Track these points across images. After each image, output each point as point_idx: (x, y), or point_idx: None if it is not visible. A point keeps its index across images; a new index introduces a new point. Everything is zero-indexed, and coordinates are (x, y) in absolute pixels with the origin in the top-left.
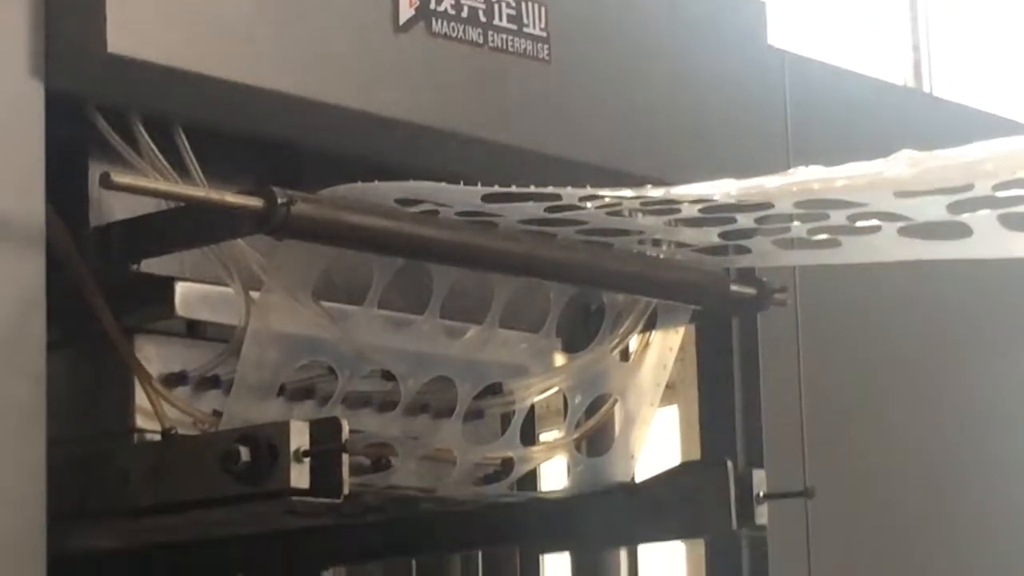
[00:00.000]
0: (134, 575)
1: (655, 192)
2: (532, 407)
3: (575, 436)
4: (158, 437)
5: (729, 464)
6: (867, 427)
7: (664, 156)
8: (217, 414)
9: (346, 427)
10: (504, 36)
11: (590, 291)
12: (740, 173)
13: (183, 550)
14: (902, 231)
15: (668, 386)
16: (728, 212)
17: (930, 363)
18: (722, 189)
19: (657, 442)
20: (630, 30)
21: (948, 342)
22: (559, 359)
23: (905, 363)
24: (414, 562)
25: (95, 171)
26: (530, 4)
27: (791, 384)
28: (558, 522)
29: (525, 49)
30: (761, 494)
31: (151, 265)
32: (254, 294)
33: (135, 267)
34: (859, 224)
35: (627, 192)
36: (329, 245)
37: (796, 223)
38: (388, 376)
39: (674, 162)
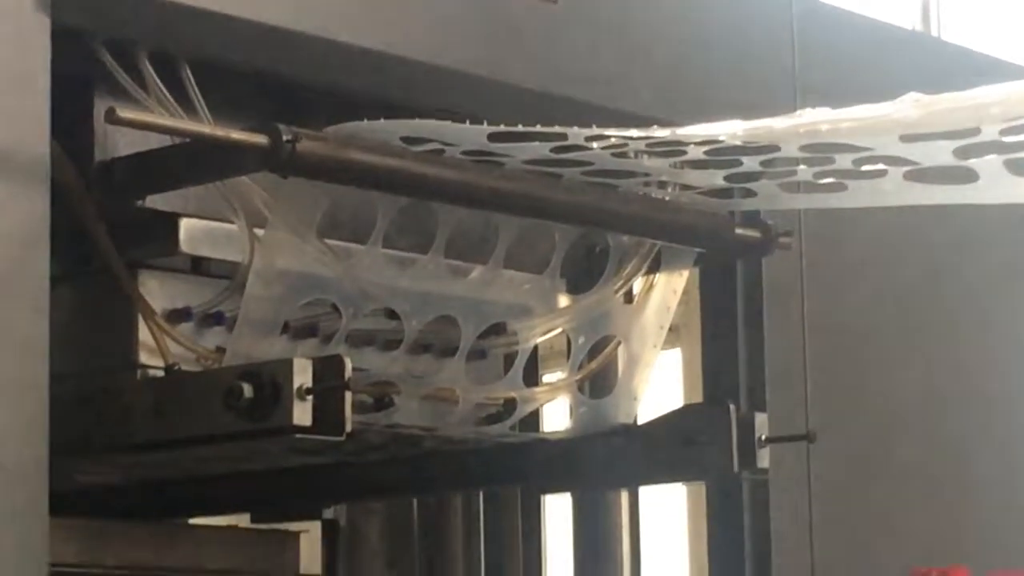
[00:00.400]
0: (136, 510)
1: (661, 132)
2: (535, 348)
3: (578, 377)
4: (161, 373)
5: (731, 407)
6: (871, 371)
7: (671, 97)
8: (220, 351)
9: (349, 365)
10: None
11: (595, 232)
12: (747, 115)
13: (185, 486)
14: (908, 175)
15: (671, 329)
16: (734, 155)
17: (933, 306)
18: (728, 130)
19: (660, 385)
20: None
21: (951, 285)
22: (563, 300)
23: (908, 307)
24: (415, 501)
25: (101, 106)
26: None
27: (795, 328)
28: (559, 463)
29: None
30: (763, 437)
31: (155, 201)
32: (258, 231)
33: (139, 203)
34: (865, 168)
35: (633, 132)
36: (333, 183)
37: (802, 167)
38: (391, 315)
39: (681, 103)
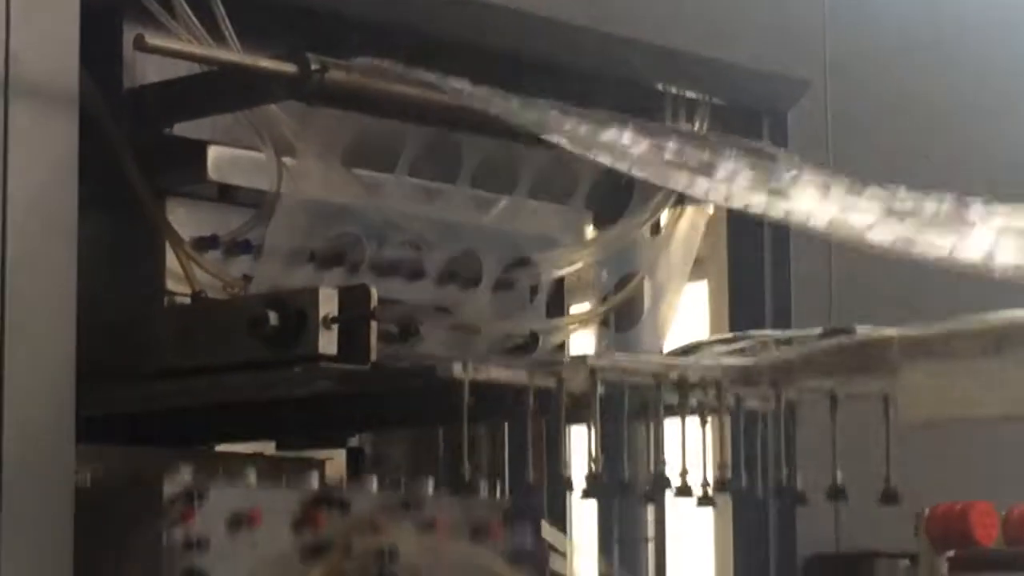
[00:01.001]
0: (161, 437)
1: None
2: (561, 280)
3: (603, 310)
4: (188, 300)
5: None
6: (896, 306)
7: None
8: (247, 279)
9: (375, 294)
10: None
11: None
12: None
13: (211, 413)
14: None
15: (698, 261)
16: None
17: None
18: None
19: (686, 318)
20: None
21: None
22: (589, 232)
23: None
24: (441, 431)
25: (129, 34)
26: None
27: (821, 258)
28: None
29: None
30: None
31: (184, 129)
32: (286, 160)
33: (168, 131)
34: None
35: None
36: (361, 112)
37: None
38: (417, 245)
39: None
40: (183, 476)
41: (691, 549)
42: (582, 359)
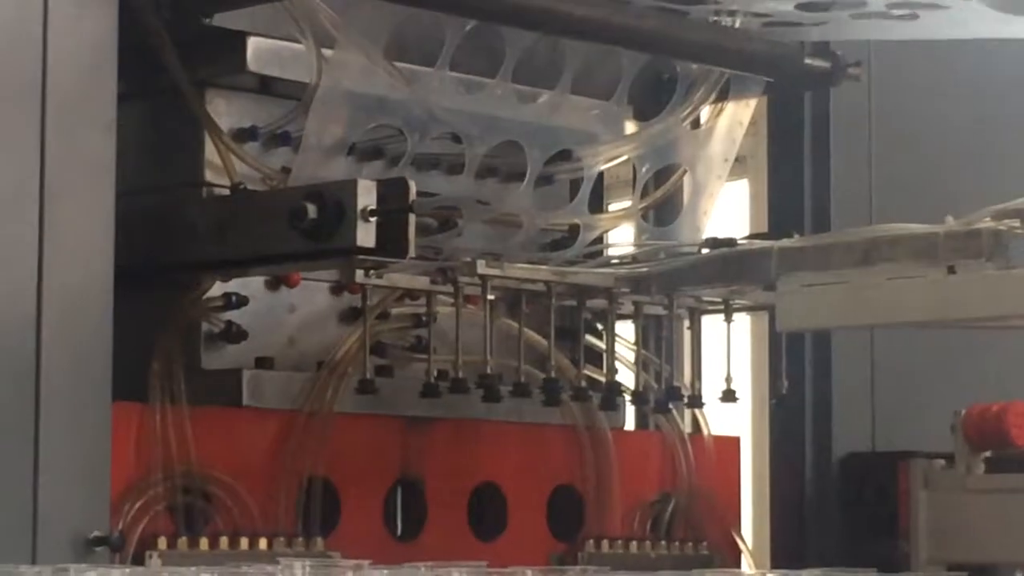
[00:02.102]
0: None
1: None
2: (601, 176)
3: (643, 205)
4: (227, 192)
5: None
6: (937, 204)
7: None
8: (286, 171)
9: (413, 187)
10: None
11: (663, 60)
12: None
13: None
14: (987, 3)
15: (738, 160)
16: None
17: (1002, 138)
18: None
19: (727, 217)
20: None
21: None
22: (630, 127)
23: (978, 139)
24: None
25: None
26: None
27: (861, 160)
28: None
29: None
30: None
31: (223, 19)
32: (326, 52)
33: (207, 21)
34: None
35: None
36: (402, 3)
37: None
38: (457, 139)
39: None
40: None
41: None
42: (472, 265)
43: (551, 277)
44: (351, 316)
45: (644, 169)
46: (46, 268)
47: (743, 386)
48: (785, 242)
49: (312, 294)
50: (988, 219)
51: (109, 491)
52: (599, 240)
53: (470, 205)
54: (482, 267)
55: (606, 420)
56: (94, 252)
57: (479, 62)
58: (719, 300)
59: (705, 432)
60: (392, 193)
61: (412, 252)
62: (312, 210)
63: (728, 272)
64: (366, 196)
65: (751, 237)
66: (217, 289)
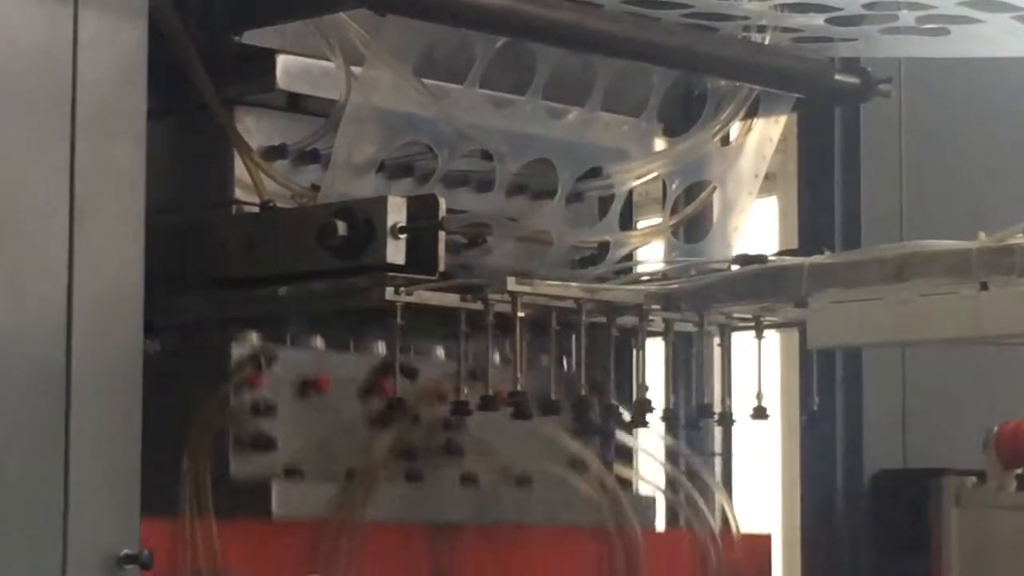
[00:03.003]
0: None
1: None
2: (630, 193)
3: (673, 222)
4: (256, 209)
5: None
6: (967, 219)
7: None
8: (315, 188)
9: (443, 204)
10: None
11: (692, 76)
12: None
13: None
14: (1019, 18)
15: (768, 177)
16: None
17: None
18: None
19: (756, 234)
20: None
21: None
22: (659, 144)
23: (1008, 156)
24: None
25: None
26: None
27: (892, 176)
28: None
29: None
30: None
31: (253, 37)
32: (355, 69)
33: (237, 38)
34: (969, 13)
35: None
36: (432, 21)
37: (904, 11)
38: (487, 156)
39: None
40: (250, 339)
41: (759, 465)
42: (503, 283)
43: (581, 294)
44: (381, 421)
45: (674, 186)
46: (76, 280)
47: (773, 403)
48: (816, 259)
49: (340, 399)
50: (1020, 235)
51: (139, 509)
52: (628, 257)
53: (500, 222)
54: (512, 284)
55: (637, 520)
56: (125, 264)
57: (509, 79)
58: (749, 317)
59: (734, 529)
60: (422, 210)
61: (442, 268)
62: (342, 227)
63: (759, 288)
64: (396, 213)
65: (781, 254)
66: (246, 397)
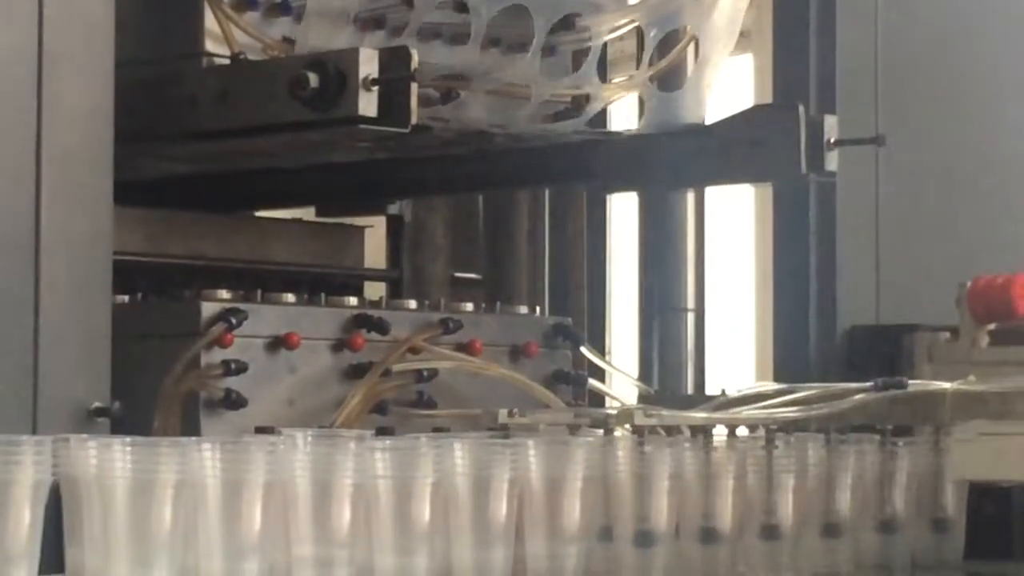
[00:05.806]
0: (201, 202)
1: None
2: (605, 47)
3: (649, 73)
4: (227, 62)
5: (800, 108)
6: (942, 76)
7: None
8: (287, 41)
9: (416, 56)
10: None
11: None
12: None
13: (251, 178)
14: None
15: (743, 34)
16: None
17: (1010, 15)
18: None
19: (730, 91)
20: None
21: None
22: None
23: (985, 15)
24: (481, 197)
25: None
26: None
27: (867, 32)
28: (627, 161)
29: None
30: (832, 140)
31: None
32: None
33: None
34: None
35: None
36: None
37: None
38: (461, 7)
39: None
40: (221, 296)
41: (731, 320)
42: (628, 413)
43: (707, 423)
44: (353, 374)
45: (651, 35)
46: (44, 131)
47: (747, 262)
48: (960, 385)
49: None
50: None
51: (110, 363)
52: (603, 112)
53: (474, 75)
54: (640, 417)
55: None
56: (93, 115)
57: None
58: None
59: None
60: (394, 62)
61: (414, 120)
62: (313, 79)
63: (897, 415)
64: (368, 65)
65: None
66: (216, 356)
